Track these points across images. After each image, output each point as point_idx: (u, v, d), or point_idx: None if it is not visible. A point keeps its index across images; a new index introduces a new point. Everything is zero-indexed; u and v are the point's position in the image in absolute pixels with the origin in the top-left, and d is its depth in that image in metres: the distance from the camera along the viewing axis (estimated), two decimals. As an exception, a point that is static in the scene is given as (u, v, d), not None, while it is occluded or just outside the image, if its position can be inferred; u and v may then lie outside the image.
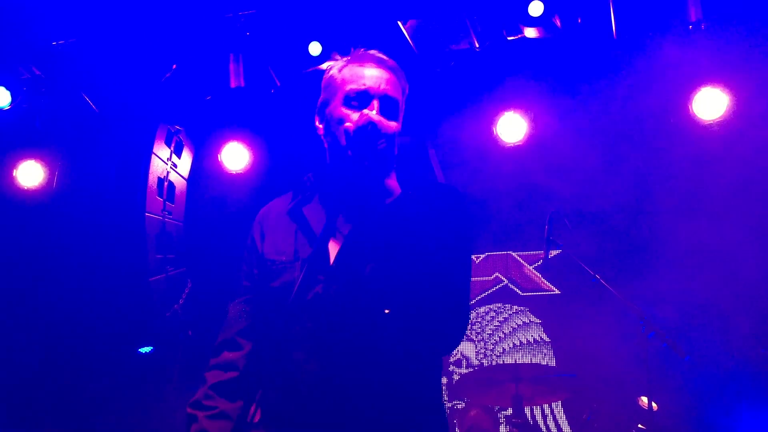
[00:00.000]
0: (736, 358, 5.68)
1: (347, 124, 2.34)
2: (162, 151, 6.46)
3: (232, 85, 5.78)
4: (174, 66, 5.98)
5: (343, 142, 2.35)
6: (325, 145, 2.54)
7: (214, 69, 5.93)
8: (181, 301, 6.50)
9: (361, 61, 2.49)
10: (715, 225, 5.66)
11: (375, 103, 2.39)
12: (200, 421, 2.43)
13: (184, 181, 6.88)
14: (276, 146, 6.70)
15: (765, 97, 5.56)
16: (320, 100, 2.57)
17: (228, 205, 6.76)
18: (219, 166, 6.72)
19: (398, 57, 2.63)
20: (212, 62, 5.91)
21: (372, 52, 2.51)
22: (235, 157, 6.66)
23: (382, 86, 2.43)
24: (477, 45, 5.61)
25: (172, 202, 6.66)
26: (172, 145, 6.60)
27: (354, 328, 2.29)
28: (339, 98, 2.46)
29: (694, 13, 5.14)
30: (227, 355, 2.52)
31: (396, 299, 2.25)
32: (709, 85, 5.55)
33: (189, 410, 2.48)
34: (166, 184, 6.52)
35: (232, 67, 5.78)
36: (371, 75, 2.45)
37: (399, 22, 5.42)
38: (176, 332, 6.00)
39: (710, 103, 5.57)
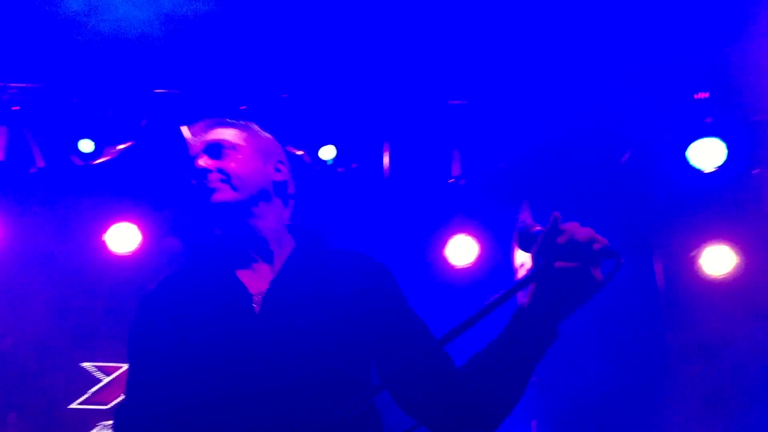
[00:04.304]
0: None
1: None
2: None
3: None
4: None
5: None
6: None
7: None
8: None
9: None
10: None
11: None
12: None
13: None
14: (30, 229, 6.21)
15: (509, 246, 6.18)
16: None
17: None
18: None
19: None
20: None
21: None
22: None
23: None
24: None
25: None
26: None
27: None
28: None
29: (455, 169, 5.69)
30: None
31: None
32: (462, 234, 6.06)
33: None
34: None
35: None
36: None
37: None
38: None
39: (461, 250, 6.07)
